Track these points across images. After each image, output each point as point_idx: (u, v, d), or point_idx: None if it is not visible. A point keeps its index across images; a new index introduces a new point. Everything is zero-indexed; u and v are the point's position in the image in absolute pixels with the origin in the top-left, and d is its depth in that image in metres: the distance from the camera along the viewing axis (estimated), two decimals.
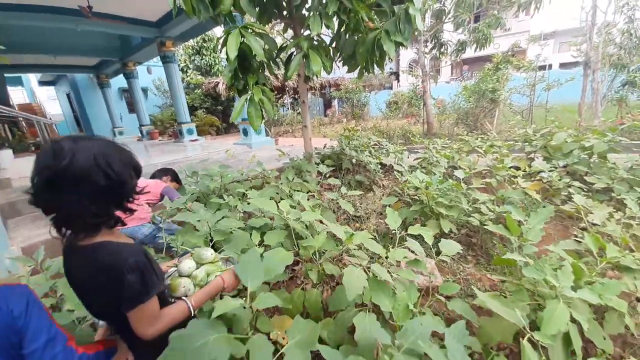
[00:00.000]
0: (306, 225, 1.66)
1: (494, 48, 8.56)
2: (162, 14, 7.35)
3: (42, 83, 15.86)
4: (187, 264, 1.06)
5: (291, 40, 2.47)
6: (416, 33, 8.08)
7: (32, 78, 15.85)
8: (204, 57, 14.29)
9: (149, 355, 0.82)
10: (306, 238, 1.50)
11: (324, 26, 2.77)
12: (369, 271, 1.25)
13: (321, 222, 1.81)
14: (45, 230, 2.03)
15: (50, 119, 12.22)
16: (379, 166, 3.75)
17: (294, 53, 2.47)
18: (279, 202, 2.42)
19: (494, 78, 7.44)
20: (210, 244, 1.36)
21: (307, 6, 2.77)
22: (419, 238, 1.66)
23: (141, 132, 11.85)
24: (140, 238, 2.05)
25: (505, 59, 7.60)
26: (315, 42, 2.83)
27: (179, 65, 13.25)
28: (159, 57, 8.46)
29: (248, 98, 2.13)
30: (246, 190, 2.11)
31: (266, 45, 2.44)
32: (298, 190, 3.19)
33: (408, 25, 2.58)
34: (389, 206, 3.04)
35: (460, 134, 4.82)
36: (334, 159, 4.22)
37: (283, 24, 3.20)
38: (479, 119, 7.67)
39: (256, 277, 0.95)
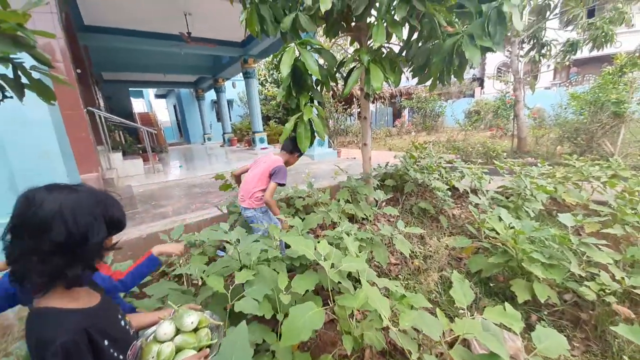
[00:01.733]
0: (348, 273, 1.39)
1: (614, 47, 6.74)
2: (247, 35, 8.17)
3: (157, 96, 19.75)
4: (164, 329, 0.85)
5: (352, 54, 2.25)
6: (509, 34, 6.97)
7: (150, 92, 19.78)
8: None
9: None
10: (343, 292, 1.24)
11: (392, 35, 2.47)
12: None
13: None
14: (126, 231, 2.28)
15: (159, 126, 14.92)
16: (449, 192, 3.17)
17: (355, 67, 2.24)
18: (323, 232, 2.22)
19: (618, 87, 5.71)
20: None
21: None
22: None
23: (224, 139, 13.38)
24: (244, 218, 2.23)
25: (632, 60, 5.79)
26: (383, 52, 2.56)
27: (258, 80, 14.64)
28: (241, 73, 9.44)
29: (298, 117, 1.99)
30: (286, 217, 1.95)
31: (324, 62, 2.29)
32: (351, 214, 2.93)
33: (500, 26, 2.09)
34: (461, 250, 2.49)
35: (566, 156, 3.77)
36: (396, 178, 3.80)
37: (349, 38, 3.02)
38: (595, 137, 5.99)
39: None
